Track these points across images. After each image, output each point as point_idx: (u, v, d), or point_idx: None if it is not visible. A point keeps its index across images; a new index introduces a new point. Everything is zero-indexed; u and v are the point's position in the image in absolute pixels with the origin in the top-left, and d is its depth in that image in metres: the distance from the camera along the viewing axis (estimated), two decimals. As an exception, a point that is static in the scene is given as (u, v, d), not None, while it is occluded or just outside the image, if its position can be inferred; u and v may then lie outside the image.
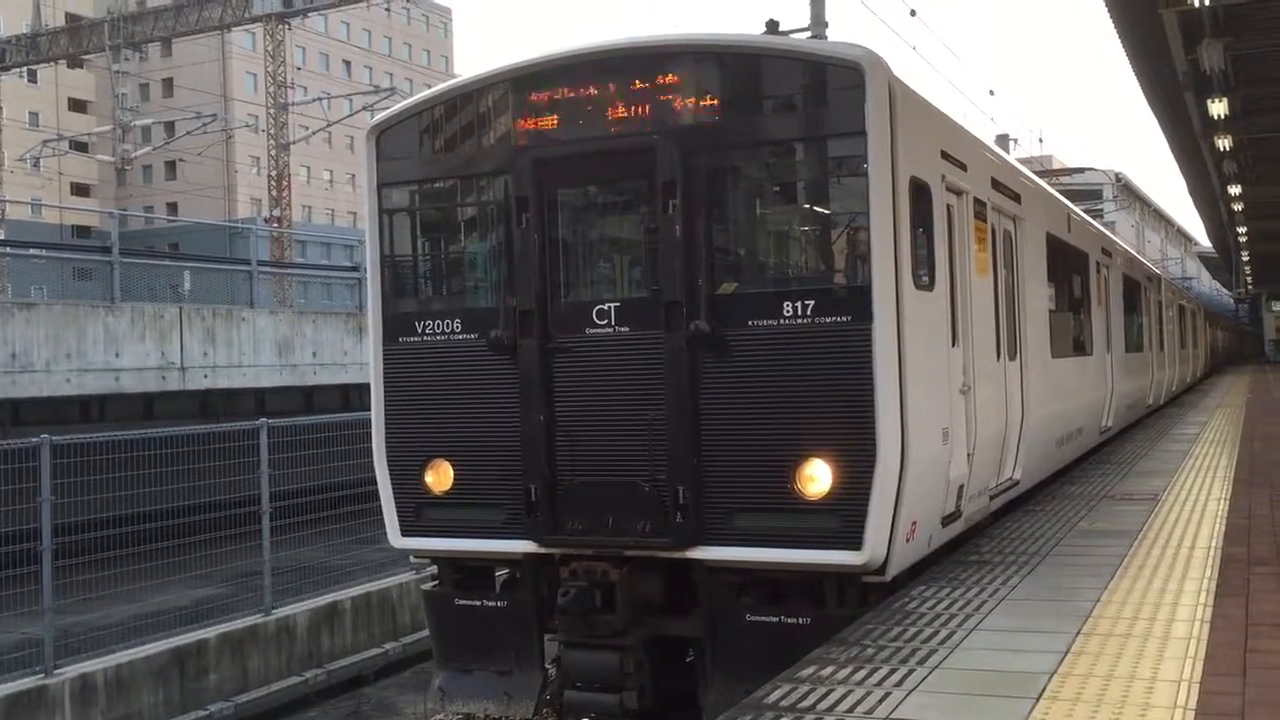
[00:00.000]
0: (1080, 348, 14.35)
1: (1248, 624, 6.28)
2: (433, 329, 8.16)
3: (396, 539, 8.39)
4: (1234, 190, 29.96)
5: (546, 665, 8.16)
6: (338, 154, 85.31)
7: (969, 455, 8.51)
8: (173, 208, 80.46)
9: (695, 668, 7.86)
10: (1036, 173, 16.34)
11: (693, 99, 7.47)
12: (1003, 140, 32.34)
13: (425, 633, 10.13)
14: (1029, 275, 11.00)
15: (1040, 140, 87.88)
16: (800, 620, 7.19)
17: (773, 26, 9.51)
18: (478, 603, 8.29)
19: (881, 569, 7.08)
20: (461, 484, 8.05)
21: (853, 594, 7.26)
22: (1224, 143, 22.92)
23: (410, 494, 8.22)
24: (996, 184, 9.95)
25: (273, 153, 45.83)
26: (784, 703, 5.27)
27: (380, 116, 8.74)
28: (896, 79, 7.22)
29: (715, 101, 7.50)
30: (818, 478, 7.01)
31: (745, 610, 7.40)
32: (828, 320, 7.05)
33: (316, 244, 65.11)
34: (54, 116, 74.57)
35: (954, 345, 8.38)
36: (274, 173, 45.65)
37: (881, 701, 5.18)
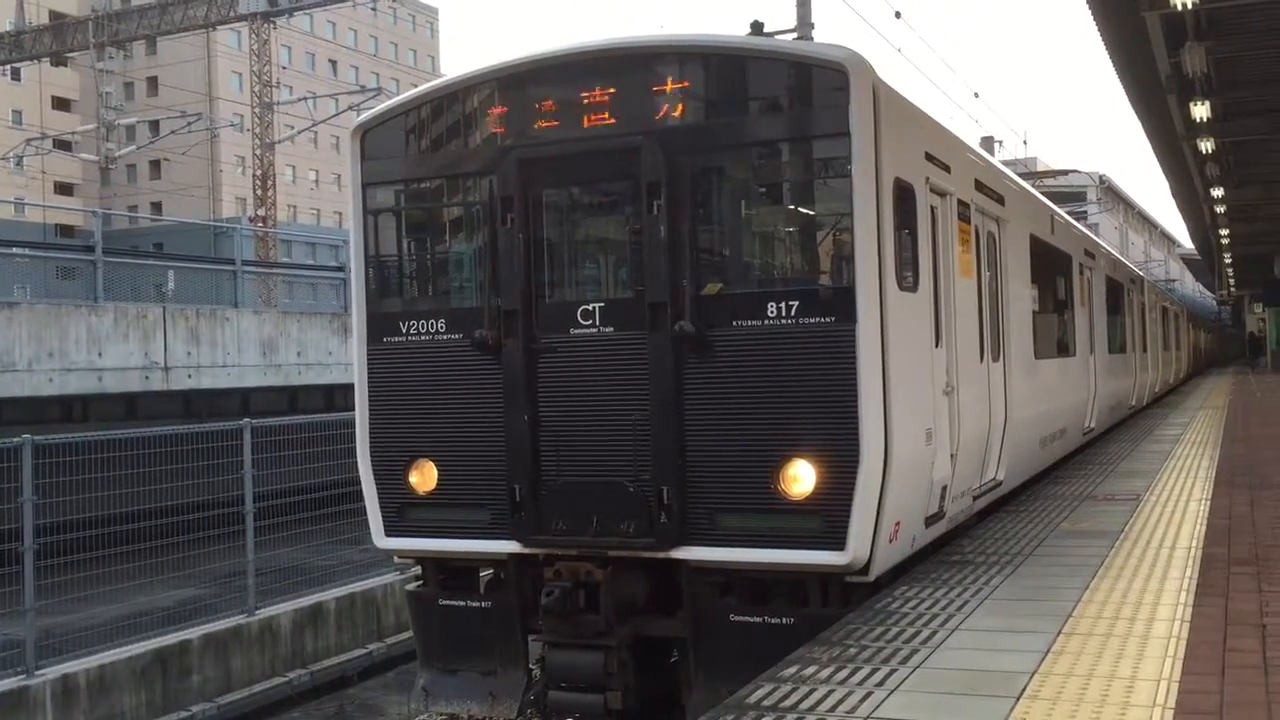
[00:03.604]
0: (1063, 349, 14.42)
1: (1227, 623, 6.32)
2: (417, 329, 8.16)
3: (380, 539, 8.38)
4: (1216, 193, 30.11)
5: (531, 665, 8.16)
6: (323, 154, 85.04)
7: (952, 456, 8.55)
8: (157, 207, 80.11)
9: (679, 668, 7.87)
10: (1020, 175, 16.41)
11: (677, 100, 7.48)
12: (987, 142, 32.49)
13: (409, 633, 10.11)
14: (1012, 277, 11.05)
15: (1025, 142, 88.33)
16: (784, 620, 7.21)
17: (757, 28, 9.54)
18: (462, 603, 8.28)
19: (865, 569, 7.10)
20: (445, 484, 8.05)
21: (836, 594, 7.28)
22: (1206, 145, 23.04)
23: (394, 494, 8.21)
24: (980, 186, 9.99)
25: (258, 152, 45.69)
26: (766, 702, 5.28)
27: (365, 116, 8.73)
28: (881, 81, 7.24)
29: (700, 102, 7.52)
30: (801, 478, 7.03)
31: (729, 610, 7.41)
32: (812, 321, 7.07)
33: (302, 244, 64.88)
34: (38, 115, 74.18)
35: (937, 346, 8.41)
36: (259, 172, 45.51)
37: (863, 701, 5.20)
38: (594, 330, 7.56)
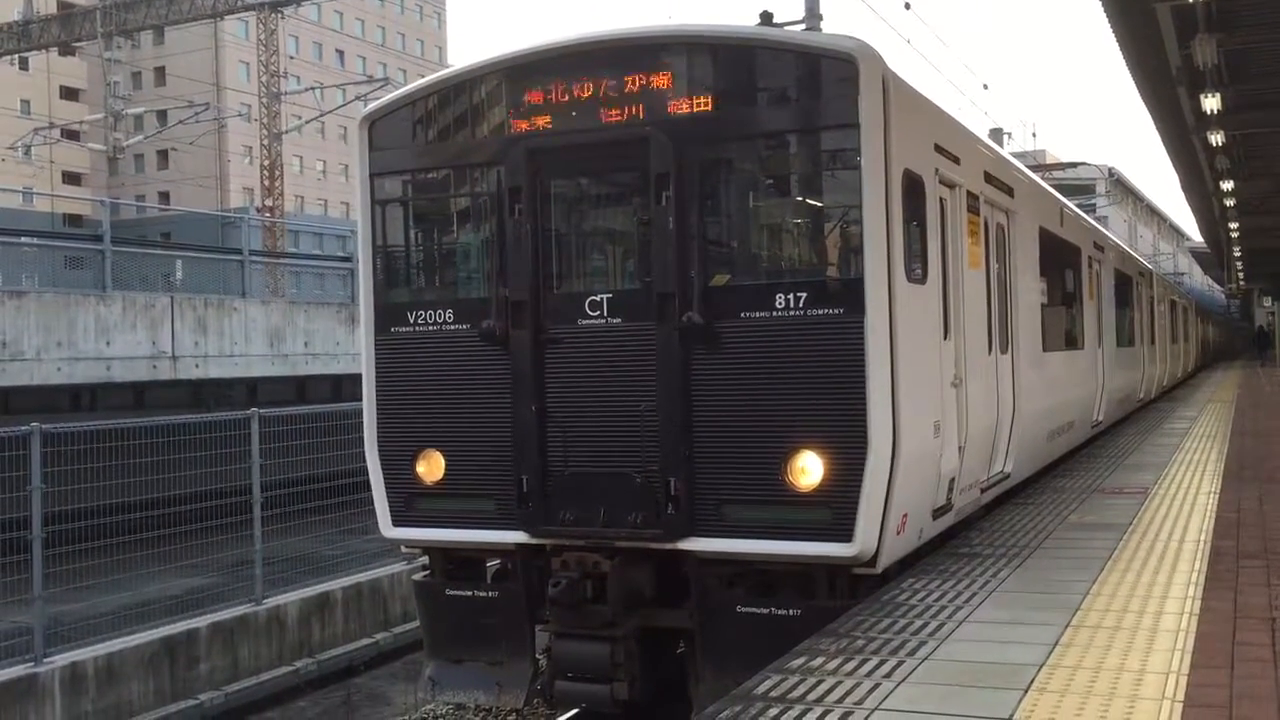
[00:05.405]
0: (1072, 342, 14.38)
1: (1236, 617, 6.31)
2: (425, 319, 8.16)
3: (388, 529, 8.39)
4: (1226, 185, 29.93)
5: (537, 656, 8.18)
6: (331, 144, 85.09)
7: (960, 448, 8.53)
8: (165, 197, 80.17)
9: (686, 659, 7.88)
10: (1030, 167, 16.35)
11: (686, 90, 7.46)
12: (996, 134, 32.32)
13: (416, 623, 10.13)
14: (1021, 269, 11.02)
15: (1034, 134, 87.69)
16: (791, 612, 7.21)
17: (767, 18, 9.51)
18: (469, 593, 8.30)
19: (872, 561, 7.10)
20: (453, 474, 8.05)
21: (843, 586, 7.28)
22: (1216, 138, 22.89)
23: (401, 484, 8.22)
24: (989, 177, 9.96)
25: (265, 142, 45.70)
26: (774, 693, 5.28)
27: (372, 106, 8.73)
28: (890, 71, 7.22)
29: (709, 93, 7.49)
30: (809, 470, 7.03)
31: (736, 601, 7.42)
32: (820, 313, 7.06)
33: (309, 234, 64.91)
34: (46, 104, 74.24)
35: (946, 338, 8.40)
36: (266, 162, 45.54)
37: (871, 692, 5.20)
38: (602, 321, 7.55)
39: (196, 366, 18.54)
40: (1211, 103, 19.46)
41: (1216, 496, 10.79)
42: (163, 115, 53.93)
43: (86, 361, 16.70)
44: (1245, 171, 28.57)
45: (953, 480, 8.38)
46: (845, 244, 7.46)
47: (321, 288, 27.73)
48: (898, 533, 7.25)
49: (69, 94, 79.77)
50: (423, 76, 9.17)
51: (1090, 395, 15.60)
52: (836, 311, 7.05)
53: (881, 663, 5.64)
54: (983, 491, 9.53)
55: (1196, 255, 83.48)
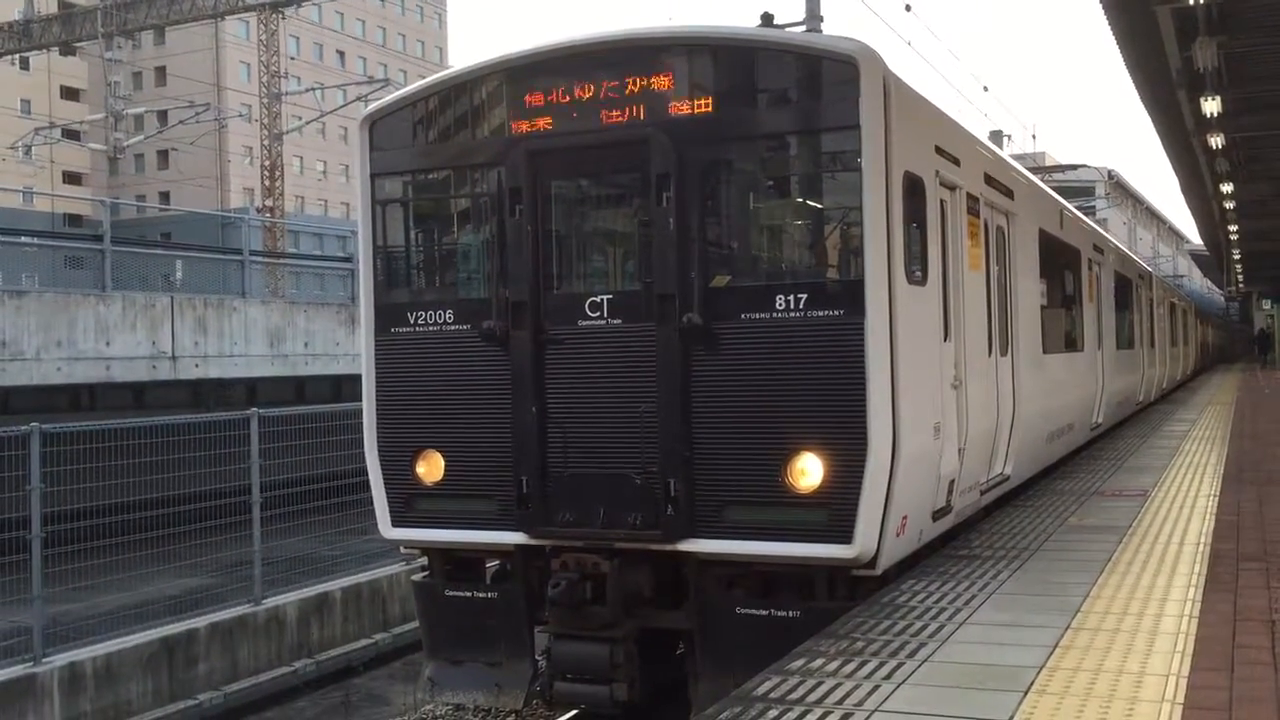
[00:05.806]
0: (1071, 344, 14.38)
1: (1235, 619, 6.31)
2: (425, 319, 8.16)
3: (387, 530, 8.38)
4: (1226, 188, 29.96)
5: (537, 657, 8.17)
6: (331, 145, 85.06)
7: (960, 450, 8.53)
8: (165, 197, 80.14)
9: (685, 660, 7.87)
10: (1029, 169, 16.35)
11: (687, 92, 7.46)
12: (996, 136, 32.31)
13: (415, 624, 10.13)
14: (1021, 271, 11.02)
15: (1034, 136, 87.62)
16: (790, 613, 7.21)
17: (768, 20, 9.51)
18: (468, 594, 8.29)
19: (872, 562, 7.10)
20: (453, 475, 8.05)
21: (843, 587, 7.28)
22: (1216, 141, 22.92)
23: (401, 485, 8.22)
24: (989, 179, 9.96)
25: (265, 143, 45.74)
26: (773, 695, 5.28)
27: (373, 106, 8.72)
28: (891, 73, 7.22)
29: (709, 94, 7.49)
30: (809, 471, 7.02)
31: (736, 603, 7.41)
32: (820, 314, 7.06)
33: (309, 234, 64.91)
34: (46, 104, 74.24)
35: (946, 340, 8.40)
36: (267, 163, 45.59)
37: (871, 694, 5.20)
38: (602, 322, 7.55)
39: (196, 366, 18.53)
40: (1211, 105, 19.47)
41: (1216, 499, 10.79)
42: (163, 115, 53.94)
43: (86, 361, 16.69)
44: (1245, 174, 28.60)
45: (952, 482, 8.38)
46: (845, 245, 7.45)
47: (321, 288, 27.73)
48: (897, 534, 7.25)
49: (69, 94, 79.76)
50: (423, 77, 9.17)
51: (1090, 397, 15.60)
52: (837, 313, 7.05)
53: (881, 664, 5.64)
54: (982, 493, 9.53)
55: (1196, 258, 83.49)
